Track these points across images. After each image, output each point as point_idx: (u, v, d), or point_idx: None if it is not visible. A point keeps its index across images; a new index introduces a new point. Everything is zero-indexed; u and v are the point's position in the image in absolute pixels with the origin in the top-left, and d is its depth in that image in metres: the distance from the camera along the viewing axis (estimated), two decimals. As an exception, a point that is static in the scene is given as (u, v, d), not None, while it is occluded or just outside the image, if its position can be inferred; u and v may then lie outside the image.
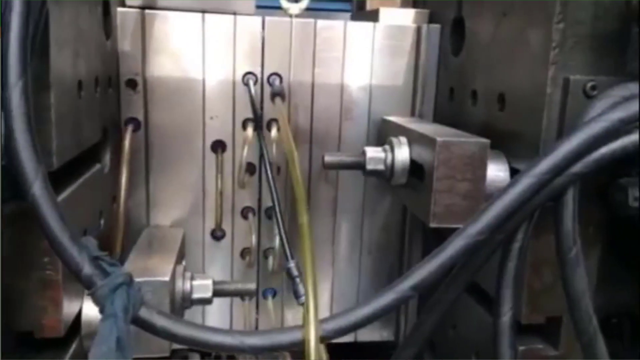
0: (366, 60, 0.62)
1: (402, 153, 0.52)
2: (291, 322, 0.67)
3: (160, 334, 0.35)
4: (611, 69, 0.43)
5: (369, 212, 0.66)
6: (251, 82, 0.59)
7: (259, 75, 0.60)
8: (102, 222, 0.52)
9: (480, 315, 0.51)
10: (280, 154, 0.59)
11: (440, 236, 0.46)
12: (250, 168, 0.61)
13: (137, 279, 0.43)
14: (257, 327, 0.66)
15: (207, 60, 0.59)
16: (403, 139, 0.52)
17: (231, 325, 0.65)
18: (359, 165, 0.54)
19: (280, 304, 0.66)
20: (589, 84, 0.42)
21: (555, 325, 0.47)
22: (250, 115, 0.60)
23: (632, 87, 0.40)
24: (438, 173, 0.45)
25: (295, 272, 0.54)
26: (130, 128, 0.57)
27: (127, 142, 0.55)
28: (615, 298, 0.48)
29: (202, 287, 0.51)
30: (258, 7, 0.60)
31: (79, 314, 0.44)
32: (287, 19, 0.60)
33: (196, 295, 0.50)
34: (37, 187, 0.32)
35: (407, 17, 0.64)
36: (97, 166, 0.51)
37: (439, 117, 0.64)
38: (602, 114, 0.38)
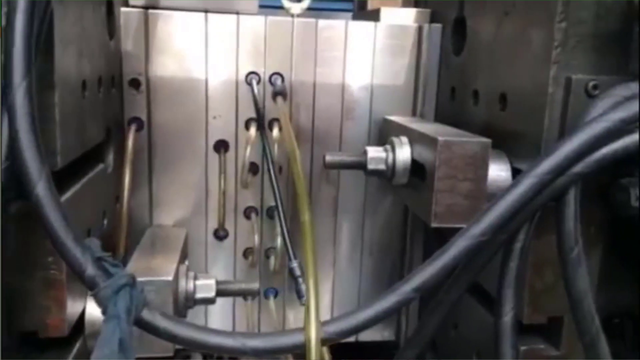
0: (367, 60, 0.62)
1: (404, 153, 0.52)
2: (293, 322, 0.67)
3: (163, 335, 0.35)
4: (613, 69, 0.43)
5: (370, 212, 0.66)
6: (254, 82, 0.60)
7: (261, 75, 0.60)
8: (105, 221, 0.52)
9: (482, 315, 0.52)
10: (282, 154, 0.59)
11: (442, 236, 0.46)
12: (253, 168, 0.61)
13: (141, 279, 0.43)
14: (259, 327, 0.66)
15: (210, 59, 0.59)
16: (404, 139, 0.52)
17: (234, 325, 0.65)
18: (360, 165, 0.54)
19: (282, 304, 0.66)
20: (591, 84, 0.42)
21: (556, 325, 0.47)
22: (253, 115, 0.60)
23: (633, 87, 0.40)
24: (439, 173, 0.45)
25: (297, 272, 0.54)
26: (133, 128, 0.57)
27: (130, 142, 0.55)
28: (617, 298, 0.48)
29: (205, 286, 0.51)
30: (260, 6, 0.60)
31: (82, 314, 0.44)
32: (289, 18, 0.60)
33: (199, 295, 0.50)
34: (41, 188, 0.32)
35: (408, 16, 0.64)
36: (101, 166, 0.52)
37: (440, 117, 0.64)
38: (604, 114, 0.38)
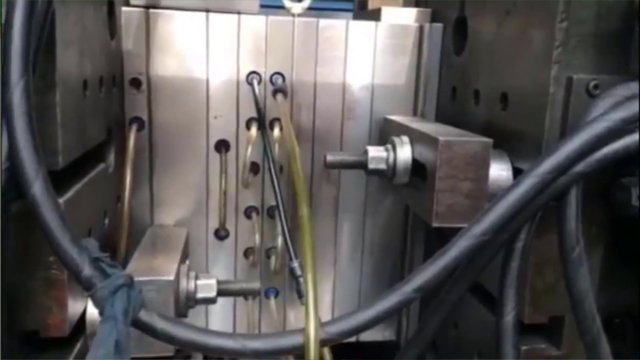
0: (368, 60, 0.62)
1: (404, 152, 0.52)
2: (293, 322, 0.67)
3: (161, 337, 0.35)
4: (614, 68, 0.43)
5: (371, 212, 0.66)
6: (255, 82, 0.60)
7: (262, 75, 0.60)
8: (106, 221, 0.52)
9: (483, 315, 0.52)
10: (283, 154, 0.59)
11: (443, 236, 0.46)
12: (253, 167, 0.61)
13: (142, 278, 0.43)
14: (260, 327, 0.66)
15: (211, 59, 0.59)
16: (405, 138, 0.52)
17: (234, 325, 0.65)
18: (361, 165, 0.54)
19: (282, 303, 0.66)
20: (592, 83, 0.42)
21: (557, 325, 0.47)
22: (254, 114, 0.60)
23: (634, 87, 0.40)
24: (440, 172, 0.45)
25: (298, 272, 0.54)
26: (134, 127, 0.57)
27: (131, 142, 0.55)
28: (618, 298, 0.48)
29: (206, 286, 0.51)
30: (261, 6, 0.60)
31: (83, 314, 0.44)
32: (290, 18, 0.60)
33: (200, 294, 0.50)
34: (37, 187, 0.32)
35: (409, 16, 0.64)
36: (102, 166, 0.52)
37: (441, 117, 0.64)
38: (605, 114, 0.38)
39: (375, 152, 0.53)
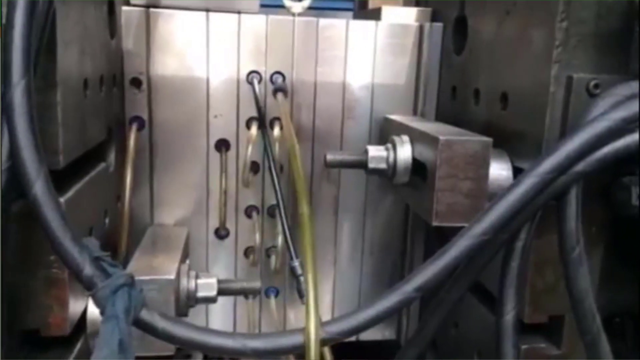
0: (368, 59, 0.62)
1: (405, 152, 0.52)
2: (293, 321, 0.67)
3: (162, 336, 0.35)
4: (614, 68, 0.43)
5: (371, 211, 0.66)
6: (255, 81, 0.60)
7: (263, 74, 0.60)
8: (106, 221, 0.52)
9: (483, 315, 0.52)
10: (283, 153, 0.59)
11: (443, 235, 0.46)
12: (254, 167, 0.61)
13: (142, 277, 0.43)
14: (260, 327, 0.66)
15: (211, 59, 0.59)
16: (405, 138, 0.52)
17: (235, 324, 0.66)
18: (361, 164, 0.54)
19: (282, 303, 0.66)
20: (592, 83, 0.42)
21: (557, 324, 0.47)
22: (254, 114, 0.60)
23: (634, 86, 0.40)
24: (440, 172, 0.45)
25: (298, 271, 0.54)
26: (134, 127, 0.57)
27: (131, 141, 0.55)
28: (618, 297, 0.48)
29: (207, 285, 0.51)
30: (261, 5, 0.60)
31: (84, 313, 0.44)
32: (290, 17, 0.60)
33: (201, 293, 0.50)
34: (39, 187, 0.32)
35: (409, 15, 0.64)
36: (102, 165, 0.52)
37: (441, 116, 0.64)
38: (605, 113, 0.38)
39: (376, 152, 0.53)
